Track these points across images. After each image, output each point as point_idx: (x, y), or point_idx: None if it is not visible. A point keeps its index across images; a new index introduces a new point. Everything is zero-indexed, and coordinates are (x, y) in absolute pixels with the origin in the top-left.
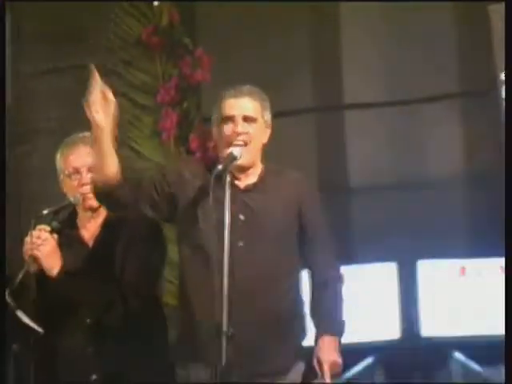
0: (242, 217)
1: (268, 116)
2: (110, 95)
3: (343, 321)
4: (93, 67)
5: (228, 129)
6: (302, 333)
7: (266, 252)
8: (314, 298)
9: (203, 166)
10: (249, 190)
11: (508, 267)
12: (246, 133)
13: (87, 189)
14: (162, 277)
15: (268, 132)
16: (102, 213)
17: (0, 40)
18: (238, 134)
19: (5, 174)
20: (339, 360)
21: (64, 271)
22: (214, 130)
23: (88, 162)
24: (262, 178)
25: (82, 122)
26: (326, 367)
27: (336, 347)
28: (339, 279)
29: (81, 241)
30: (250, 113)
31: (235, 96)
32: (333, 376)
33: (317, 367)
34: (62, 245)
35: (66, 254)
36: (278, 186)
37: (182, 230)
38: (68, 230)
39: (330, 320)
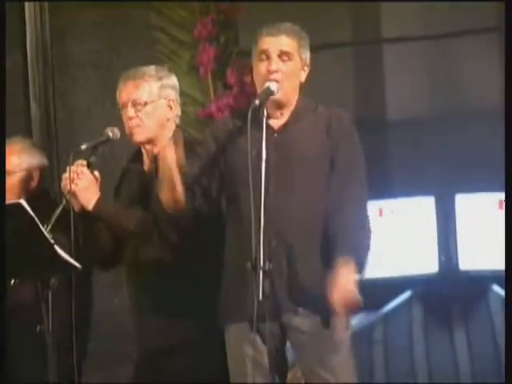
0: (275, 157)
1: (306, 54)
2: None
3: (365, 248)
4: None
5: (263, 66)
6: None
7: (298, 194)
8: (333, 222)
9: (234, 114)
10: (282, 130)
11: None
12: (280, 70)
13: (132, 123)
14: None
15: (306, 71)
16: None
17: (0, 40)
18: (272, 71)
19: (4, 167)
20: (355, 294)
21: (100, 204)
22: (253, 67)
23: (132, 96)
24: (294, 116)
25: (122, 55)
26: (338, 301)
27: (352, 276)
28: (363, 210)
29: (143, 175)
30: (285, 48)
31: (272, 34)
32: (347, 312)
33: (330, 301)
34: (126, 180)
35: (129, 188)
36: (311, 123)
37: (224, 175)
38: (133, 165)
39: (347, 242)
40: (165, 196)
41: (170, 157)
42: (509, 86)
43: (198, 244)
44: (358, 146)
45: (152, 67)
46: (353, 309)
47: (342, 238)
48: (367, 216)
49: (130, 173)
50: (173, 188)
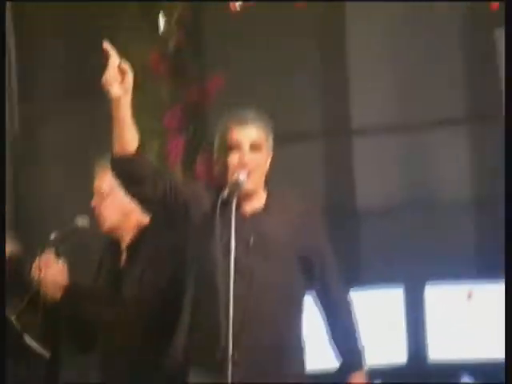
0: (251, 241)
1: (271, 141)
2: (127, 67)
3: (363, 347)
4: (107, 44)
5: (234, 157)
6: (302, 364)
7: (274, 276)
8: (329, 322)
9: (212, 189)
10: (255, 215)
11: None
12: (252, 162)
13: (95, 212)
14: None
15: (270, 157)
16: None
17: (0, 40)
18: (245, 164)
19: (5, 170)
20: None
21: (67, 295)
22: (218, 157)
23: (97, 186)
24: (267, 203)
25: (91, 145)
26: None
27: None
28: (350, 302)
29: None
30: (257, 140)
31: (241, 123)
32: None
33: None
34: (104, 271)
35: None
36: (283, 210)
37: (191, 251)
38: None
39: (354, 352)
40: (114, 139)
41: (126, 103)
42: (509, 88)
43: (164, 331)
44: (327, 236)
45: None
46: None
47: (350, 346)
48: (355, 318)
49: (105, 262)
50: (124, 140)
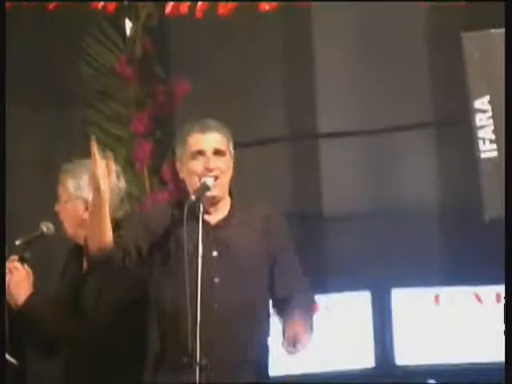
0: (215, 253)
1: (232, 148)
2: (112, 165)
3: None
4: (93, 140)
5: (198, 164)
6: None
7: (240, 286)
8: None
9: (172, 203)
10: (219, 225)
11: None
12: (217, 167)
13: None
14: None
15: (232, 163)
16: None
17: (0, 40)
18: (210, 169)
19: (5, 167)
20: (305, 330)
21: (31, 301)
22: (181, 165)
23: (58, 192)
24: (231, 213)
25: (58, 152)
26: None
27: (303, 320)
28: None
29: None
30: (220, 146)
31: (203, 131)
32: (296, 344)
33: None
34: (67, 277)
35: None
36: (247, 220)
37: (157, 266)
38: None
39: (298, 302)
40: (91, 234)
41: (102, 199)
42: (509, 90)
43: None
44: (291, 240)
45: (77, 164)
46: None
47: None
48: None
49: (70, 268)
50: (101, 224)
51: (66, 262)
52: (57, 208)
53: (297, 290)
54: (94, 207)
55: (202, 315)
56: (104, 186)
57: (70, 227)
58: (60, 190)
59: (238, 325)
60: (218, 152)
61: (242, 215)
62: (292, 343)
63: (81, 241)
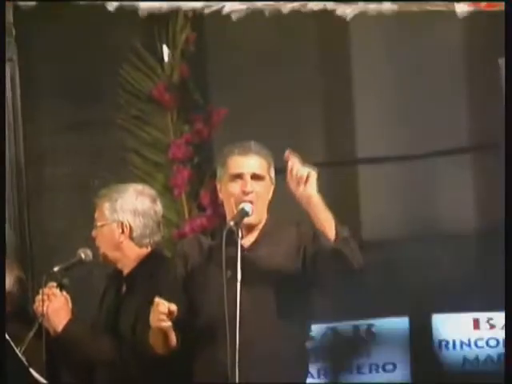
0: (245, 275)
1: (273, 172)
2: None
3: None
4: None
5: (236, 187)
6: None
7: (271, 308)
8: None
9: (208, 230)
10: (252, 248)
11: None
12: (254, 191)
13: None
14: None
15: (273, 188)
16: None
17: (0, 40)
18: (247, 193)
19: (5, 168)
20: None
21: (70, 327)
22: (221, 187)
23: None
24: (264, 234)
25: (97, 178)
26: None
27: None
28: None
29: None
30: (259, 171)
31: (243, 154)
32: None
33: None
34: (106, 301)
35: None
36: (279, 237)
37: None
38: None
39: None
40: (156, 342)
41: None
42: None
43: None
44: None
45: (114, 188)
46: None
47: None
48: None
49: (109, 292)
50: (165, 337)
51: (105, 287)
52: (94, 233)
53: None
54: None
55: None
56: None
57: (107, 251)
58: (97, 215)
59: (268, 343)
60: (256, 176)
61: (273, 234)
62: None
63: (119, 265)
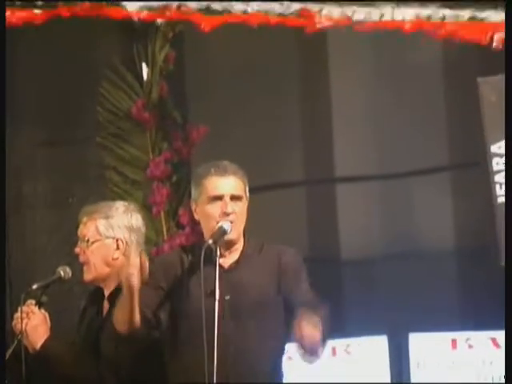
0: (227, 297)
1: (247, 191)
2: (145, 262)
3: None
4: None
5: (216, 208)
6: None
7: (252, 328)
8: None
9: (186, 248)
10: (232, 268)
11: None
12: (234, 212)
13: (80, 258)
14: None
15: (247, 206)
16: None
17: (0, 41)
18: (228, 214)
19: (5, 174)
20: (317, 333)
21: (48, 344)
22: (196, 207)
23: (82, 233)
24: (244, 255)
25: (75, 195)
26: (303, 338)
27: (315, 322)
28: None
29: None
30: (237, 192)
31: (220, 175)
32: (310, 347)
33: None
34: (86, 320)
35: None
36: (259, 260)
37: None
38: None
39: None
40: (121, 317)
41: (135, 281)
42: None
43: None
44: (306, 275)
45: (102, 205)
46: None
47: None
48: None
49: (89, 310)
50: (131, 311)
51: (85, 305)
52: (78, 250)
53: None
54: (125, 298)
55: (218, 359)
56: (137, 282)
57: (97, 267)
58: (86, 231)
59: (254, 367)
60: (235, 197)
61: (254, 256)
62: (301, 345)
63: (102, 283)
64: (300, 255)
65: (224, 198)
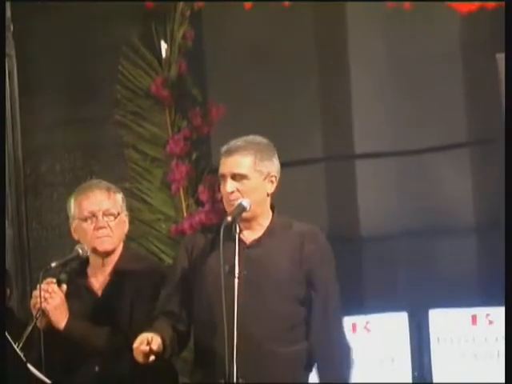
0: (244, 272)
1: (266, 167)
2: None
3: (348, 370)
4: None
5: (223, 187)
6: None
7: (269, 306)
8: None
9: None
10: (254, 245)
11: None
12: (237, 190)
13: (103, 232)
14: None
15: (273, 182)
16: (112, 261)
17: (0, 40)
18: (230, 193)
19: (4, 172)
20: None
21: (71, 323)
22: (219, 185)
23: (104, 206)
24: (268, 232)
25: (94, 174)
26: None
27: None
28: (343, 340)
29: (90, 290)
30: (238, 170)
31: (226, 154)
32: None
33: None
34: (71, 294)
35: (76, 303)
36: (284, 239)
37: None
38: (78, 279)
39: (332, 371)
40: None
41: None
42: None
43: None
44: (333, 267)
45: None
46: None
47: (326, 361)
48: (346, 337)
49: (77, 287)
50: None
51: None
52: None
53: (333, 339)
54: None
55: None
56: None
57: (118, 240)
58: (107, 206)
59: (266, 341)
60: (236, 176)
61: (279, 234)
62: None
63: (109, 257)
64: (328, 242)
65: (226, 177)
